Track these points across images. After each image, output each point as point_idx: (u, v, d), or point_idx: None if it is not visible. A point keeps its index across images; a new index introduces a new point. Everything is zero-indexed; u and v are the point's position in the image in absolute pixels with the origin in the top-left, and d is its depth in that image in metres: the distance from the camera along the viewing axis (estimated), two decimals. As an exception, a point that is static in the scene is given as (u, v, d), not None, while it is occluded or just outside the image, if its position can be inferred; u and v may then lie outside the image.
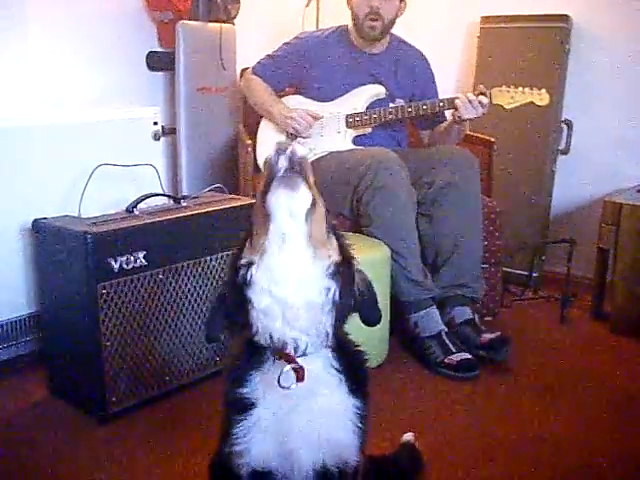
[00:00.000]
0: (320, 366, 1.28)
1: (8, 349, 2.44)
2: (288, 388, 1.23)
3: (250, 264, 1.20)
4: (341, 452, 1.29)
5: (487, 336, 2.62)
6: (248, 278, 1.20)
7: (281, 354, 1.24)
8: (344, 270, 1.24)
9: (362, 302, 1.30)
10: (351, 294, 1.27)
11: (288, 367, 1.23)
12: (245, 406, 1.27)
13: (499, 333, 2.63)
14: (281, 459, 1.27)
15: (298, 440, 1.26)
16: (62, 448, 2.03)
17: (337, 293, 1.21)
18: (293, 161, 1.16)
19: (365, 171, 2.63)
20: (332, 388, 1.28)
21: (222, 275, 2.39)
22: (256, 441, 1.26)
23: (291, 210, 1.16)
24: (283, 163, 1.16)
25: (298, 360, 1.24)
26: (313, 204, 1.18)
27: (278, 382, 1.22)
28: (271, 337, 1.22)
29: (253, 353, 1.28)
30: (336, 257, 1.24)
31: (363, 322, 1.32)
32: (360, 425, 1.30)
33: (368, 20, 2.89)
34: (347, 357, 1.31)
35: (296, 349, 1.23)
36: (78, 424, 2.16)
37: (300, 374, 1.23)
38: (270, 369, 1.27)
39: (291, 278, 1.18)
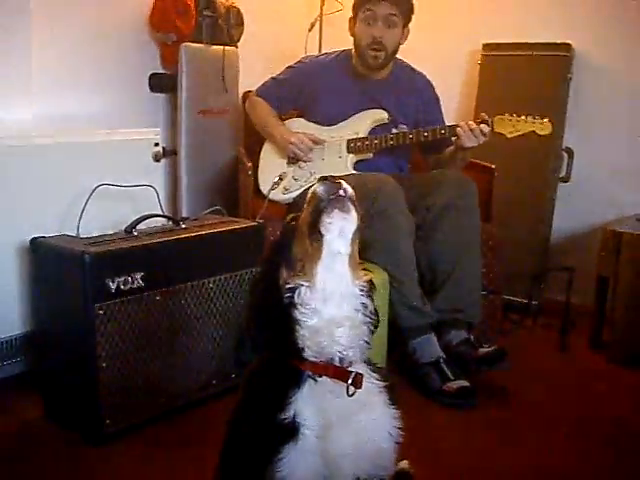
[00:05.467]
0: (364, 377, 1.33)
1: (2, 369, 2.42)
2: (351, 395, 1.29)
3: (298, 287, 1.28)
4: (382, 462, 1.33)
5: (483, 350, 2.60)
6: (298, 300, 1.27)
7: (327, 368, 1.28)
8: (371, 288, 1.35)
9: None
10: (376, 310, 1.35)
11: (354, 372, 1.29)
12: (289, 431, 1.27)
13: (496, 346, 2.61)
14: (325, 476, 1.28)
15: (345, 455, 1.28)
16: (56, 470, 2.00)
17: (371, 309, 1.32)
18: (344, 188, 1.31)
19: (363, 197, 2.59)
20: (375, 398, 1.35)
21: (224, 297, 2.39)
22: (302, 464, 1.26)
23: (343, 231, 1.28)
24: (333, 190, 1.30)
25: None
26: (357, 227, 1.30)
27: (347, 391, 1.29)
28: (319, 353, 1.28)
29: (289, 375, 1.31)
30: (367, 276, 1.35)
31: None
32: (397, 434, 1.35)
33: (370, 50, 2.88)
34: (377, 369, 1.40)
35: (342, 362, 1.29)
36: (72, 446, 2.13)
37: (359, 380, 1.30)
38: (312, 388, 1.30)
39: (338, 297, 1.28)
